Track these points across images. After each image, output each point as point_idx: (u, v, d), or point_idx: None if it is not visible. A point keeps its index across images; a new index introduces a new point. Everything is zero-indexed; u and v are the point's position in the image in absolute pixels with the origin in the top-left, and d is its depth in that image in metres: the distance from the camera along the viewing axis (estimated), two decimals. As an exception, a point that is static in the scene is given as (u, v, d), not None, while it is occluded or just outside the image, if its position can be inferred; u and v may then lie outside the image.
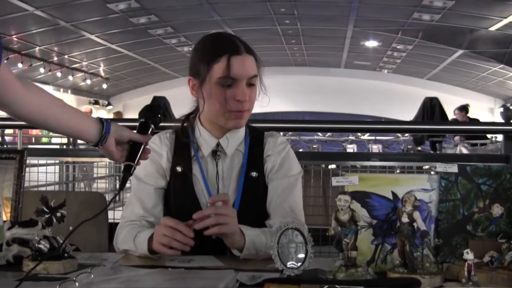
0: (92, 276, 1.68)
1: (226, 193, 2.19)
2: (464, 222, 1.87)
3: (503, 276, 1.67)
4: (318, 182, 4.10)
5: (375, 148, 13.87)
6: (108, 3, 12.62)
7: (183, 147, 2.26)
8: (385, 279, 1.72)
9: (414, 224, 1.71)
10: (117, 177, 7.15)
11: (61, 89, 21.52)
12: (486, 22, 13.38)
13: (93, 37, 15.59)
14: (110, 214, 3.04)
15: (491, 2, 11.85)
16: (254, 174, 2.23)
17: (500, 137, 6.24)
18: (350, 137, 14.07)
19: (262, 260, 1.96)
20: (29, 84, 1.71)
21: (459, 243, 1.85)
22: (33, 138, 14.55)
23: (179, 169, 2.23)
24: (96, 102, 24.24)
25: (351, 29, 16.23)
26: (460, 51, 16.99)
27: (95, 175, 7.61)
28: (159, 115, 1.96)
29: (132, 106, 24.62)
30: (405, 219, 1.72)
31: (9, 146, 11.35)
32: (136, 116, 1.98)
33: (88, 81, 21.19)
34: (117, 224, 2.28)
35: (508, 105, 21.95)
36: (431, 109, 11.29)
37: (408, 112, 14.29)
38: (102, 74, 21.72)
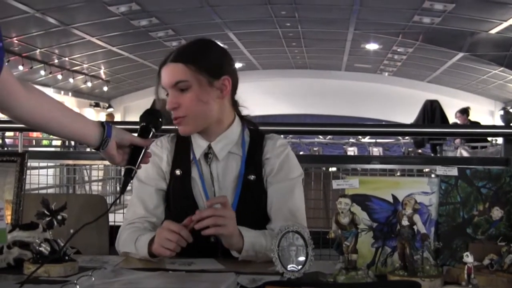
0: (93, 279, 1.68)
1: (224, 195, 2.19)
2: (464, 225, 1.87)
3: (503, 279, 1.67)
4: (319, 185, 4.11)
5: (376, 150, 13.85)
6: (109, 6, 12.63)
7: (183, 150, 2.27)
8: (385, 282, 1.72)
9: (414, 227, 1.71)
10: (112, 180, 7.17)
11: (62, 92, 21.51)
12: (487, 25, 13.39)
13: (94, 39, 15.60)
14: (111, 217, 3.04)
15: (491, 5, 11.86)
16: (252, 177, 2.22)
17: (500, 140, 6.24)
18: (351, 140, 14.05)
19: (262, 263, 1.96)
20: (30, 87, 1.72)
21: (459, 246, 1.85)
22: (34, 141, 14.55)
23: (178, 172, 2.24)
24: (96, 105, 24.24)
25: (352, 32, 16.24)
26: (461, 54, 16.99)
27: (87, 178, 7.61)
28: (160, 119, 1.97)
29: (133, 108, 24.64)
30: (405, 222, 1.72)
31: (9, 148, 11.34)
32: (136, 119, 1.98)
33: (89, 84, 21.18)
34: (118, 227, 2.29)
35: (508, 108, 21.93)
36: (432, 112, 11.30)
37: (408, 115, 14.32)
38: (103, 76, 21.72)
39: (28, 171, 2.34)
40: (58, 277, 1.76)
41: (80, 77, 20.33)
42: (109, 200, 4.85)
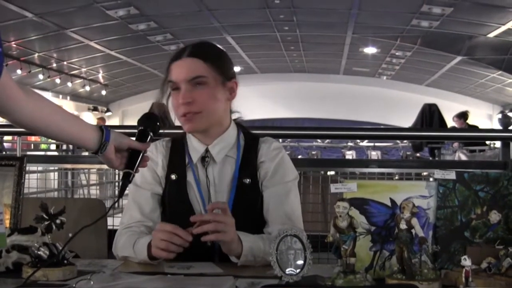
0: (92, 282, 1.69)
1: (221, 200, 2.20)
2: (462, 229, 1.87)
3: (500, 282, 1.67)
4: (317, 189, 4.11)
5: (374, 154, 13.87)
6: (107, 10, 12.63)
7: (178, 155, 2.28)
8: (383, 285, 1.73)
9: (412, 230, 1.72)
10: (110, 184, 7.17)
11: (60, 96, 21.50)
12: (485, 28, 13.40)
13: (92, 43, 15.59)
14: (110, 220, 3.04)
15: (489, 9, 11.87)
16: (247, 181, 2.23)
17: (498, 144, 6.24)
18: (349, 144, 14.05)
19: (261, 267, 1.97)
20: (29, 91, 1.72)
21: (457, 250, 1.85)
22: (32, 145, 14.54)
23: (173, 177, 2.25)
24: (95, 109, 24.23)
25: (350, 36, 16.24)
26: (459, 58, 17.00)
27: (84, 182, 7.61)
28: (158, 123, 1.97)
29: (131, 112, 24.62)
30: (403, 225, 1.72)
31: (8, 152, 11.33)
32: (134, 122, 1.99)
33: (87, 88, 21.17)
34: (116, 230, 2.29)
35: (506, 111, 21.96)
36: (430, 115, 11.30)
37: (407, 119, 14.29)
38: (101, 80, 21.71)
39: (26, 175, 2.34)
40: (57, 281, 1.76)
41: (79, 81, 20.32)
42: (108, 204, 4.85)
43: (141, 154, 1.90)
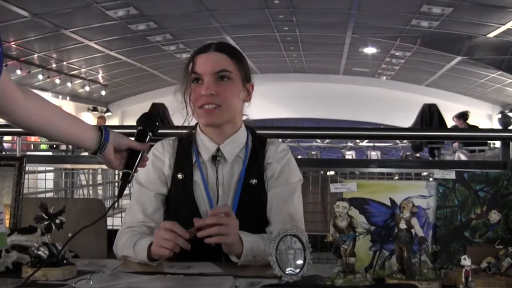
0: (91, 282, 1.69)
1: (226, 203, 2.22)
2: (462, 229, 1.87)
3: (500, 282, 1.67)
4: (317, 189, 4.11)
5: (374, 154, 13.86)
6: (107, 10, 12.63)
7: (185, 153, 2.28)
8: (383, 285, 1.73)
9: (412, 230, 1.72)
10: (110, 184, 7.16)
11: (60, 96, 21.50)
12: (485, 28, 13.40)
13: (91, 43, 15.59)
14: (109, 221, 3.04)
15: (489, 9, 11.87)
16: (254, 181, 2.24)
17: (498, 144, 6.24)
18: (349, 144, 14.05)
19: (260, 267, 1.97)
20: (29, 92, 1.72)
21: (456, 249, 1.85)
22: (32, 145, 14.54)
23: (180, 176, 2.25)
24: (94, 109, 24.22)
25: (350, 36, 16.24)
26: (459, 58, 17.00)
27: (84, 182, 7.60)
28: (157, 123, 1.97)
29: (130, 112, 24.61)
30: (403, 225, 1.72)
31: (7, 153, 11.33)
32: (134, 123, 1.99)
33: (87, 88, 21.16)
34: (116, 231, 2.29)
35: (506, 111, 21.96)
36: (430, 115, 11.32)
37: (406, 119, 14.32)
38: (101, 80, 21.70)
39: (26, 176, 2.34)
40: (57, 280, 1.76)
41: (78, 81, 20.32)
42: (107, 204, 4.85)
43: (140, 154, 1.90)
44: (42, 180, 4.78)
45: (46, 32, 13.77)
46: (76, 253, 2.08)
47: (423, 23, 13.63)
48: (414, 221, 1.72)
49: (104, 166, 1.96)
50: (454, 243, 1.86)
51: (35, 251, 1.81)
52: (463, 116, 10.97)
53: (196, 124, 2.33)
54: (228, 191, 2.24)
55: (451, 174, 1.88)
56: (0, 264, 1.88)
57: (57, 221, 1.89)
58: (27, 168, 2.31)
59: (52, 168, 5.69)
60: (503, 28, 12.95)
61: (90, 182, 7.85)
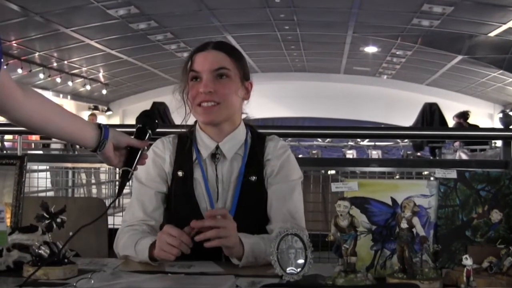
0: (92, 281, 1.69)
1: (226, 201, 2.22)
2: (463, 228, 1.87)
3: (502, 281, 1.67)
4: (318, 188, 4.11)
5: (375, 154, 13.87)
6: (107, 9, 12.63)
7: (186, 151, 2.28)
8: (384, 284, 1.73)
9: (413, 229, 1.72)
10: (111, 183, 7.17)
11: (61, 95, 21.50)
12: (485, 28, 13.39)
13: (92, 42, 15.59)
14: (110, 220, 3.04)
15: (490, 8, 11.86)
16: (253, 178, 2.24)
17: (499, 143, 6.24)
18: (350, 143, 14.06)
19: (261, 266, 1.96)
20: (29, 90, 1.72)
21: (458, 249, 1.85)
22: (33, 144, 14.54)
23: (180, 173, 2.25)
24: (95, 108, 24.21)
25: (351, 35, 16.23)
26: (460, 57, 16.99)
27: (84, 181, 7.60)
28: (156, 121, 1.98)
29: (131, 111, 24.60)
30: (404, 224, 1.72)
31: (8, 151, 11.33)
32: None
33: (88, 87, 21.17)
34: (116, 229, 2.29)
35: (507, 111, 21.94)
36: (431, 115, 11.31)
37: (407, 118, 14.30)
38: (102, 79, 21.72)
39: (27, 174, 2.34)
40: (57, 279, 1.76)
41: (79, 80, 20.32)
42: (108, 203, 4.85)
43: (139, 152, 1.90)
44: (40, 179, 4.78)
45: (47, 31, 13.77)
46: (77, 252, 2.08)
47: (424, 22, 13.63)
48: (416, 220, 1.72)
49: (103, 164, 1.97)
50: (455, 242, 1.86)
51: (36, 250, 1.81)
52: (463, 115, 10.95)
53: (196, 121, 2.33)
54: (227, 188, 2.24)
55: (452, 174, 1.88)
56: (1, 263, 1.88)
57: (58, 220, 1.89)
58: (28, 167, 2.31)
59: (45, 168, 5.69)
60: (504, 27, 12.94)
61: (93, 181, 7.85)
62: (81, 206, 2.58)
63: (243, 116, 2.36)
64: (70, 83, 19.84)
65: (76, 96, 22.72)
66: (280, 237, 1.70)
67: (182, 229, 1.96)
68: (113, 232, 2.36)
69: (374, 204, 1.86)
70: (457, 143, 9.88)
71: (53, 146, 13.06)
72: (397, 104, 23.00)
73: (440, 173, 1.88)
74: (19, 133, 4.60)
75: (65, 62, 17.86)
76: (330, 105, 24.11)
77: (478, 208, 1.87)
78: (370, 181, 1.93)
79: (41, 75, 17.73)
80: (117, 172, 6.06)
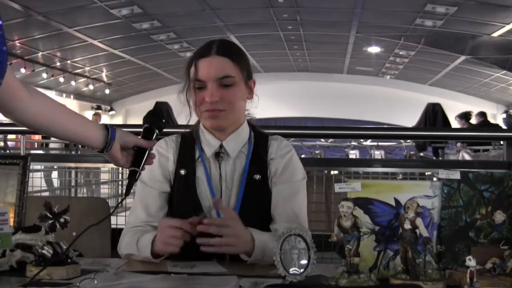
0: (95, 281, 1.69)
1: (230, 195, 2.22)
2: (467, 229, 1.87)
3: (505, 282, 1.67)
4: (321, 188, 4.10)
5: (378, 154, 13.87)
6: (111, 9, 12.65)
7: (188, 149, 2.28)
8: (387, 285, 1.73)
9: (417, 230, 1.71)
10: (114, 183, 7.16)
11: (64, 94, 21.54)
12: (489, 28, 13.39)
13: (95, 42, 15.61)
14: (113, 220, 3.04)
15: (493, 8, 11.86)
16: (257, 177, 2.24)
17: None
18: (353, 143, 14.06)
19: (264, 266, 1.96)
20: (33, 90, 1.72)
21: (461, 250, 1.85)
22: (36, 144, 14.55)
23: (182, 172, 2.25)
24: (98, 108, 24.23)
25: (354, 35, 16.23)
26: (463, 57, 16.99)
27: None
28: (163, 120, 1.98)
29: (134, 111, 24.65)
30: (407, 225, 1.72)
31: (11, 151, 11.35)
32: (138, 121, 2.01)
33: (91, 87, 21.21)
34: (120, 230, 2.29)
35: (511, 111, 21.93)
36: (434, 115, 11.31)
37: (410, 118, 14.30)
38: (105, 79, 21.75)
39: (30, 174, 2.34)
40: (61, 279, 1.76)
41: (82, 80, 20.36)
42: (111, 203, 4.85)
43: (147, 152, 1.90)
44: (38, 179, 4.78)
45: (50, 31, 13.79)
46: (80, 252, 2.08)
47: (427, 22, 13.63)
48: (419, 221, 1.72)
49: (109, 164, 1.97)
50: (458, 243, 1.86)
51: (40, 250, 1.81)
52: (465, 116, 10.94)
53: (199, 120, 2.33)
54: (231, 186, 2.24)
55: (455, 174, 1.88)
56: (4, 263, 1.88)
57: (62, 220, 1.89)
58: (31, 167, 2.31)
59: (39, 167, 5.69)
60: (507, 28, 12.93)
61: (98, 180, 7.83)
62: (84, 206, 2.58)
63: (246, 113, 2.36)
64: (73, 83, 19.87)
65: (79, 95, 22.76)
66: (283, 238, 1.70)
67: None
68: (116, 232, 2.36)
69: (377, 205, 1.86)
70: (460, 144, 9.87)
71: (52, 145, 13.05)
72: (400, 104, 23.01)
73: (443, 174, 1.88)
74: (22, 133, 4.61)
75: (68, 61, 17.89)
76: (333, 105, 24.11)
77: (482, 209, 1.87)
78: (373, 182, 1.93)
79: (44, 75, 17.78)
80: (120, 171, 6.07)
